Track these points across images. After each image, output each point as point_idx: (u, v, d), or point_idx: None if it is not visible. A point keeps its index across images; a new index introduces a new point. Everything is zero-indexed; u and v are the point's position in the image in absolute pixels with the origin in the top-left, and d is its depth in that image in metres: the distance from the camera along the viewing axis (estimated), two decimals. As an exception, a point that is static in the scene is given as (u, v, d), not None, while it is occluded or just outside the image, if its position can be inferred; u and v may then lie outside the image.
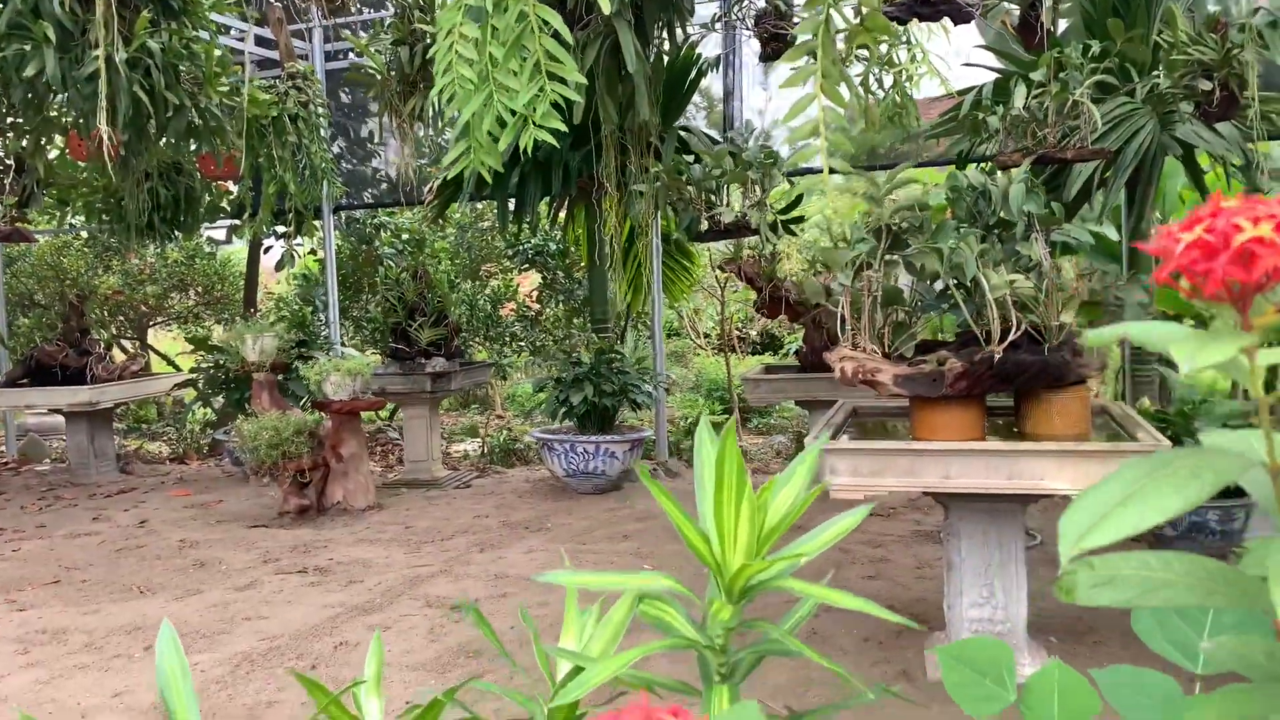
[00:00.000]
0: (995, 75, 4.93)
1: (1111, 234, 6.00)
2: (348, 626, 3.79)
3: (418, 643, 3.58)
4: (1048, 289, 2.91)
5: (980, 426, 2.97)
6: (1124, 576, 0.66)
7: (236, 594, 4.28)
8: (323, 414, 6.04)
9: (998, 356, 2.85)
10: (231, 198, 7.65)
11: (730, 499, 0.90)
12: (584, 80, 3.50)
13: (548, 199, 6.62)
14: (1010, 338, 2.87)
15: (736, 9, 5.23)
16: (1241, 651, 0.74)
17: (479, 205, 9.67)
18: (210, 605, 4.10)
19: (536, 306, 9.86)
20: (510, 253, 9.21)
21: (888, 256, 2.99)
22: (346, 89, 8.08)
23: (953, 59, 6.65)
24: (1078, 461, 2.70)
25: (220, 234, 8.92)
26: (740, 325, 10.56)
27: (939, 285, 3.11)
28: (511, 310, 9.47)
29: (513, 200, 6.43)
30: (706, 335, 11.11)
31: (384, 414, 9.03)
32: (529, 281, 10.19)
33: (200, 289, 10.15)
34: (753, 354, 10.50)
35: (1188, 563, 0.67)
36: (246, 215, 7.10)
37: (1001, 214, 2.95)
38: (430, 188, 6.46)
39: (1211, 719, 0.70)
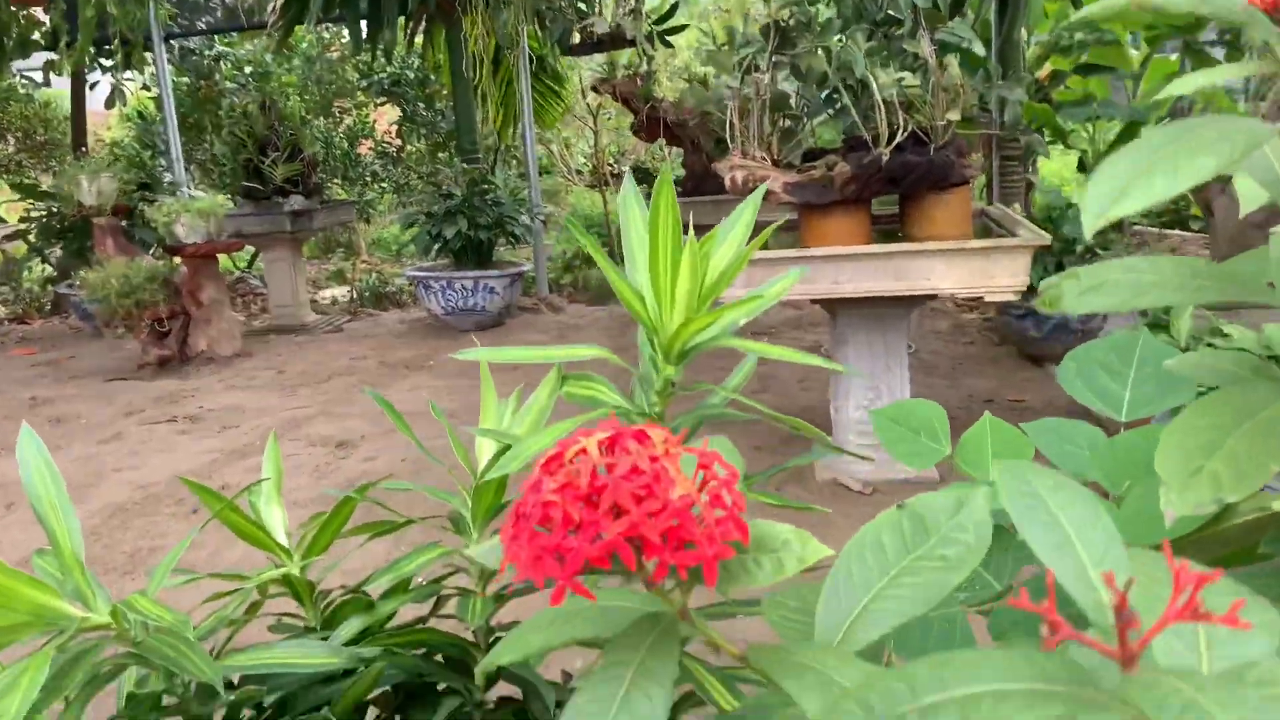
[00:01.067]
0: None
1: (979, 49, 6.01)
2: (227, 470, 3.65)
3: (304, 481, 3.48)
4: (933, 88, 2.88)
5: (868, 232, 2.97)
6: (1112, 281, 0.62)
7: (101, 447, 4.06)
8: (176, 260, 5.66)
9: (886, 158, 2.82)
10: (44, 28, 6.87)
11: (666, 252, 0.82)
12: None
13: (404, 18, 6.18)
14: (897, 139, 2.84)
15: None
16: (1208, 362, 0.72)
17: (328, 34, 9.00)
18: (74, 460, 3.87)
19: (397, 142, 9.38)
20: (364, 84, 8.67)
21: (776, 57, 2.88)
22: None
23: None
24: (964, 259, 2.73)
25: (37, 74, 8.07)
26: (614, 159, 10.34)
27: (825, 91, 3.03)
28: (369, 148, 9.00)
29: (365, 22, 5.97)
30: (579, 171, 10.86)
31: (243, 262, 8.57)
32: (386, 116, 9.65)
33: (19, 134, 9.23)
34: (625, 187, 10.32)
35: (1175, 263, 0.63)
36: (64, 45, 6.40)
37: (889, 10, 2.87)
38: (273, 7, 5.93)
39: (1175, 446, 0.67)
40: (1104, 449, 0.93)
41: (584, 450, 0.48)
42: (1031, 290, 4.13)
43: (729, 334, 0.87)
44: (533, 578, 0.46)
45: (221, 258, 6.25)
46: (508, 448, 0.84)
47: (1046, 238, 2.74)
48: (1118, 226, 4.27)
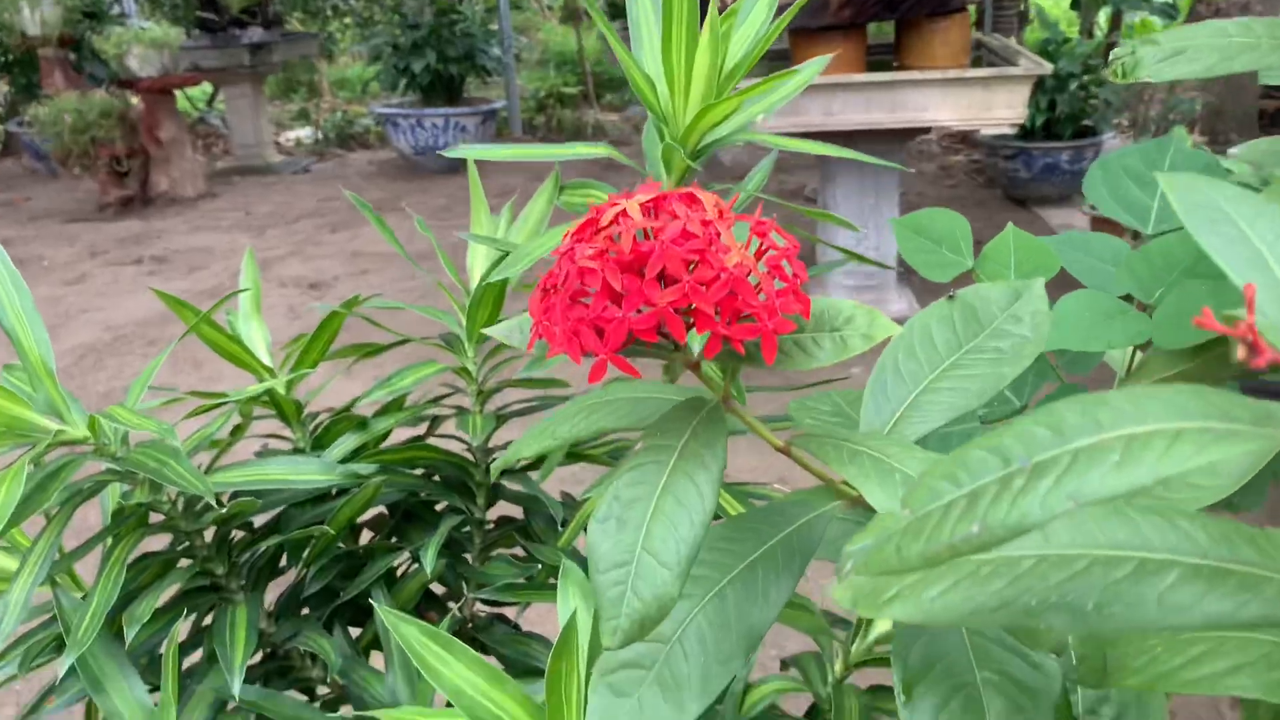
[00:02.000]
0: None
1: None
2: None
3: (279, 323, 3.41)
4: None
5: (862, 61, 2.84)
6: (1197, 45, 0.55)
7: (66, 288, 3.94)
8: (131, 96, 5.39)
9: (883, -20, 2.67)
10: None
11: (682, 27, 0.74)
12: None
13: None
14: (896, -40, 2.68)
15: None
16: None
17: None
18: (40, 301, 3.75)
19: (360, -28, 8.87)
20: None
21: None
22: None
23: None
24: (962, 90, 2.63)
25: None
26: (586, -8, 9.84)
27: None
28: (332, -23, 8.50)
29: None
30: (550, 7, 10.38)
31: (202, 102, 8.20)
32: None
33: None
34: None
35: (1268, 24, 0.56)
36: None
37: None
38: None
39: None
40: (1137, 256, 0.88)
41: (625, 213, 0.42)
42: (1025, 130, 4.03)
43: (748, 128, 0.80)
44: (568, 353, 0.40)
45: (180, 97, 5.96)
46: (504, 258, 0.78)
47: (1048, 66, 2.63)
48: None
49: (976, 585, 0.31)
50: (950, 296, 0.57)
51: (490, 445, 0.99)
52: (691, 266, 0.40)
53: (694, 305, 0.39)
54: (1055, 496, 0.24)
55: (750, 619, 0.46)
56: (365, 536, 1.01)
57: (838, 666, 0.77)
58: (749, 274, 0.41)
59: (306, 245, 4.42)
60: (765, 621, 0.47)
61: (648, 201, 0.42)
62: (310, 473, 0.84)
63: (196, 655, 0.89)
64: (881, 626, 0.76)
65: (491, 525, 1.00)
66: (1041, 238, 1.03)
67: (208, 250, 4.41)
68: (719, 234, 0.41)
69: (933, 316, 0.56)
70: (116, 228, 5.00)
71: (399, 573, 0.96)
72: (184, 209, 5.31)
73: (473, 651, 0.60)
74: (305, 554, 0.88)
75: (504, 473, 0.98)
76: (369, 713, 0.61)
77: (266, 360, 1.02)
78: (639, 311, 0.40)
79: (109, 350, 3.26)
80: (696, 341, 0.47)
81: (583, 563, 0.81)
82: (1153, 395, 0.25)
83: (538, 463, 0.99)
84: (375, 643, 0.92)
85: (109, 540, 0.83)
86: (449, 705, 0.82)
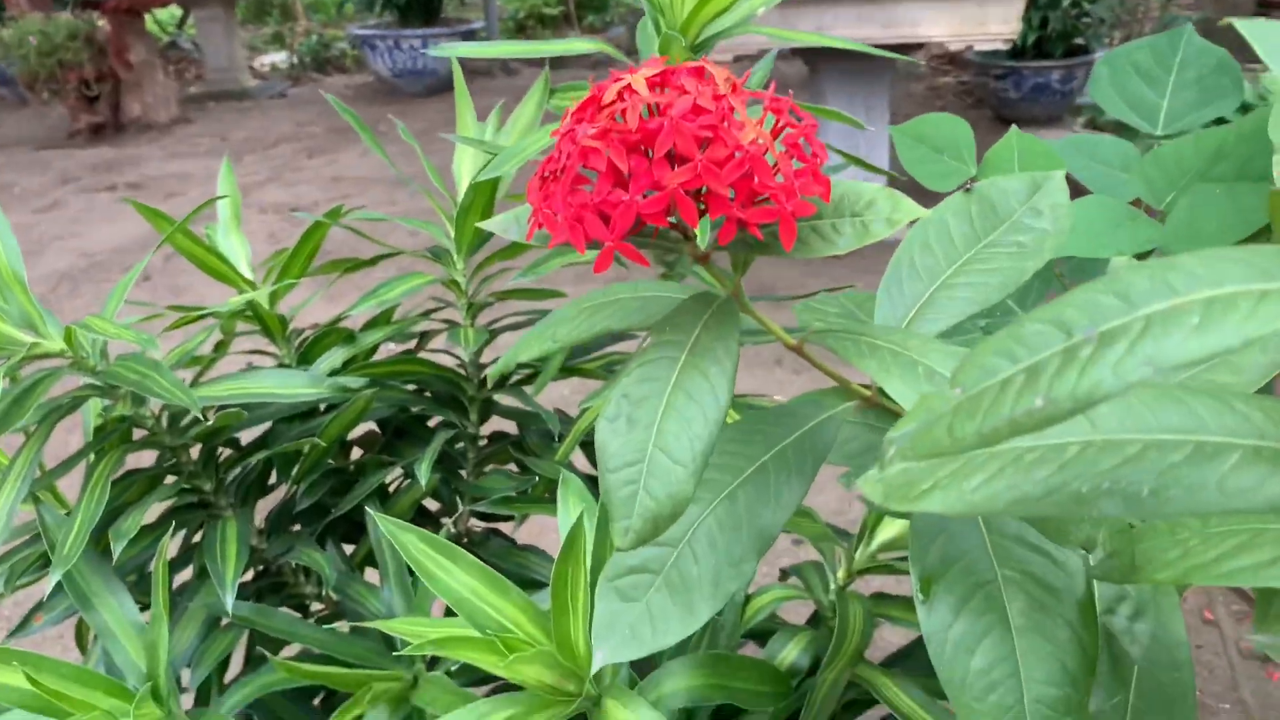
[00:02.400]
0: None
1: None
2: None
3: (260, 247, 3.33)
4: None
5: (853, -27, 2.76)
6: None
7: (39, 216, 3.86)
8: (98, 17, 5.21)
9: (877, -112, 2.58)
10: None
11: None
12: None
13: None
14: None
15: None
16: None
17: None
18: (12, 229, 3.68)
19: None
20: None
21: None
22: None
23: None
24: (956, 5, 2.56)
25: None
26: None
27: None
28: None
29: None
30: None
31: (171, 26, 7.96)
32: None
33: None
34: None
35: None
36: None
37: None
38: None
39: None
40: (1148, 160, 0.85)
41: (630, 89, 0.39)
42: (1015, 49, 3.96)
43: (748, 22, 0.76)
44: (571, 241, 0.38)
45: (148, 20, 5.77)
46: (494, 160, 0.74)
47: (1044, -21, 2.56)
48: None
49: (1021, 473, 0.29)
50: (967, 189, 0.55)
51: (482, 361, 0.96)
52: (703, 145, 0.38)
53: (707, 187, 0.36)
54: (1130, 363, 0.22)
55: (762, 521, 0.45)
56: (356, 455, 1.00)
57: (840, 574, 0.76)
58: (766, 153, 0.38)
59: (285, 171, 4.33)
60: (777, 524, 0.45)
61: (654, 75, 0.39)
62: (298, 386, 0.82)
63: (187, 573, 0.88)
64: (885, 534, 0.75)
65: (485, 441, 0.98)
66: (1047, 140, 1.00)
67: (184, 176, 4.32)
68: (732, 109, 0.38)
69: (949, 210, 0.54)
70: (89, 154, 4.88)
71: (391, 489, 0.94)
72: (158, 135, 5.19)
73: (474, 558, 0.58)
74: (295, 469, 0.86)
75: (497, 388, 0.96)
76: (367, 623, 0.60)
77: (248, 274, 0.98)
78: (647, 195, 0.37)
79: (85, 277, 3.20)
80: (704, 234, 0.45)
81: (581, 476, 0.80)
82: (1228, 257, 0.23)
83: (531, 377, 0.97)
84: (369, 559, 0.91)
85: (91, 457, 0.81)
86: (447, 615, 0.81)
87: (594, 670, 0.44)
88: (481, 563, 0.58)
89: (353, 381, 0.85)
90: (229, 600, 0.73)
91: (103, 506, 0.73)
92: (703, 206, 0.37)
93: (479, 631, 0.57)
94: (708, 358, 0.39)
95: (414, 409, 0.95)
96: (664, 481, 0.36)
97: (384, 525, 0.59)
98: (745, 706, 0.67)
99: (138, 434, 0.83)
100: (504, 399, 0.98)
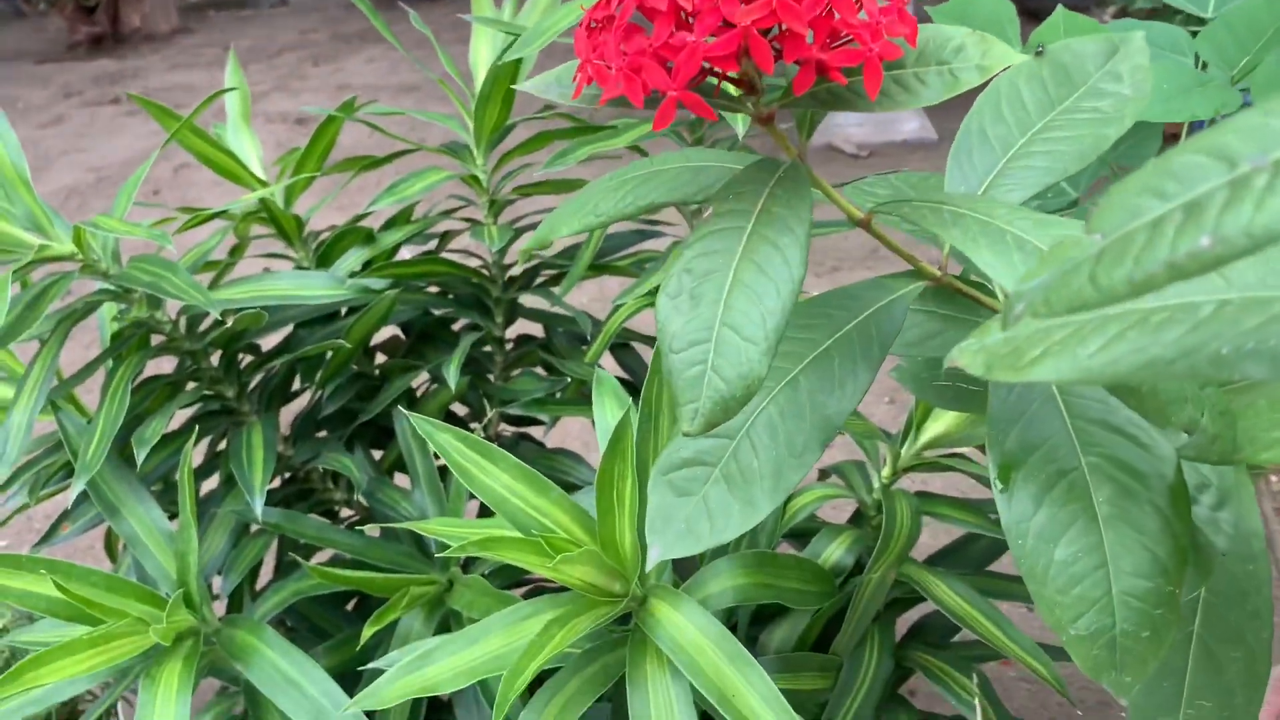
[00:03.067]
0: None
1: None
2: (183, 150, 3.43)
3: (269, 157, 3.29)
4: None
5: None
6: None
7: (43, 131, 3.79)
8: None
9: None
10: None
11: None
12: None
13: None
14: None
15: None
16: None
17: None
18: (16, 144, 3.62)
19: None
20: None
21: None
22: None
23: None
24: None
25: None
26: None
27: None
28: None
29: None
30: None
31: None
32: None
33: None
34: None
35: None
36: None
37: None
38: None
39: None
40: (1218, 24, 0.80)
41: (685, -80, 0.34)
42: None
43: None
44: (628, 94, 0.34)
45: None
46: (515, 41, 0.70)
47: None
48: None
49: (1147, 335, 0.26)
50: (1039, 52, 0.51)
51: (507, 261, 0.93)
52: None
53: (782, 26, 0.32)
54: (1323, 189, 0.18)
55: (826, 409, 0.42)
56: (380, 361, 0.97)
57: (885, 472, 0.74)
58: (843, -8, 0.34)
59: (290, 80, 4.23)
60: (842, 412, 0.42)
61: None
62: (318, 287, 0.79)
63: (213, 482, 0.86)
64: (933, 430, 0.72)
65: (511, 344, 0.96)
66: (1095, 20, 0.94)
67: (189, 88, 4.23)
68: (804, -59, 0.34)
69: (1020, 76, 0.49)
70: (90, 67, 4.78)
71: (418, 393, 0.92)
72: (159, 45, 5.07)
73: (513, 458, 0.56)
74: (320, 374, 0.83)
75: (522, 289, 0.93)
76: (402, 524, 0.58)
77: (260, 174, 0.95)
78: (713, 37, 0.33)
79: (93, 192, 3.16)
80: (775, 84, 0.40)
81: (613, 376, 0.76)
82: None
83: (558, 278, 0.94)
84: (397, 464, 0.89)
85: (109, 364, 0.78)
86: (480, 516, 0.79)
87: (649, 567, 0.42)
88: (521, 462, 0.56)
89: (375, 283, 0.82)
90: (258, 506, 0.71)
91: (124, 413, 0.70)
92: (777, 48, 0.33)
93: (520, 532, 0.54)
94: (777, 227, 0.35)
95: (437, 312, 0.92)
96: (734, 361, 0.33)
97: (420, 426, 0.56)
98: (792, 605, 0.65)
99: (156, 340, 0.80)
100: (529, 300, 0.95)
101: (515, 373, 0.94)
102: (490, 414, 0.94)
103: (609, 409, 0.66)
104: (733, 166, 0.43)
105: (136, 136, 3.63)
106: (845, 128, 2.99)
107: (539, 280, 0.94)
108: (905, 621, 0.81)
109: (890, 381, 1.85)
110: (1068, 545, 0.37)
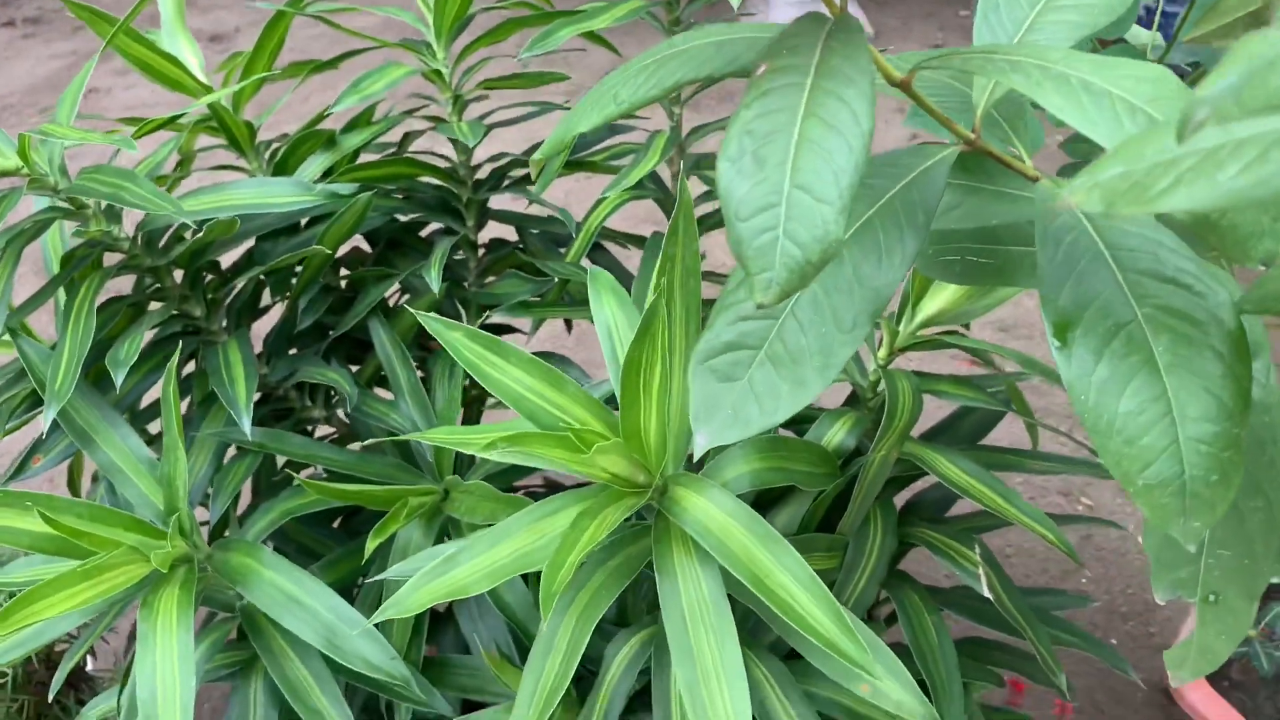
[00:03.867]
0: None
1: None
2: (92, 75, 3.24)
3: (179, 79, 3.12)
4: None
5: None
6: None
7: (-70, 58, 3.54)
8: None
9: None
10: None
11: None
12: None
13: None
14: None
15: None
16: None
17: None
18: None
19: None
20: None
21: None
22: None
23: None
24: None
25: None
26: None
27: None
28: None
29: None
30: None
31: None
32: None
33: None
34: None
35: None
36: None
37: None
38: None
39: None
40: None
41: None
42: None
43: None
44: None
45: None
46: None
47: None
48: None
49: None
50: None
51: (474, 163, 0.89)
52: None
53: None
54: None
55: (873, 281, 0.41)
56: (345, 274, 0.93)
57: (881, 353, 0.74)
58: None
59: (195, -6, 4.00)
60: (891, 283, 0.41)
61: None
62: (285, 195, 0.75)
63: (183, 406, 0.82)
64: (929, 309, 0.72)
65: (483, 249, 0.93)
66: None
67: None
68: None
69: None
70: (-27, -13, 4.45)
71: (390, 305, 0.89)
72: (46, -39, 4.74)
73: (526, 353, 0.54)
74: (295, 283, 0.79)
75: (493, 189, 0.89)
76: (412, 435, 0.56)
77: (202, 79, 0.89)
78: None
79: (-4, 122, 2.97)
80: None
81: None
82: None
83: (528, 178, 0.90)
84: (374, 379, 0.86)
85: (63, 292, 0.74)
86: (466, 424, 0.77)
87: (697, 456, 0.41)
88: (534, 357, 0.54)
89: (343, 188, 0.78)
90: (246, 423, 0.68)
91: (91, 335, 0.66)
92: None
93: (540, 429, 0.53)
94: (838, 79, 0.33)
95: (404, 218, 0.89)
96: (808, 224, 0.31)
97: (430, 324, 0.54)
98: (803, 486, 0.65)
99: (112, 260, 0.76)
100: (499, 203, 0.92)
101: (489, 279, 0.91)
102: (469, 321, 0.91)
103: (607, 304, 0.64)
104: (758, 36, 0.41)
105: (38, 61, 3.42)
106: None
107: (507, 182, 0.90)
108: (898, 501, 0.82)
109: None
110: (1132, 396, 0.37)
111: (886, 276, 0.40)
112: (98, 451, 0.69)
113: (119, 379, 0.64)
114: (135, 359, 0.65)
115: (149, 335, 0.80)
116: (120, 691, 0.79)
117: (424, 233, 0.92)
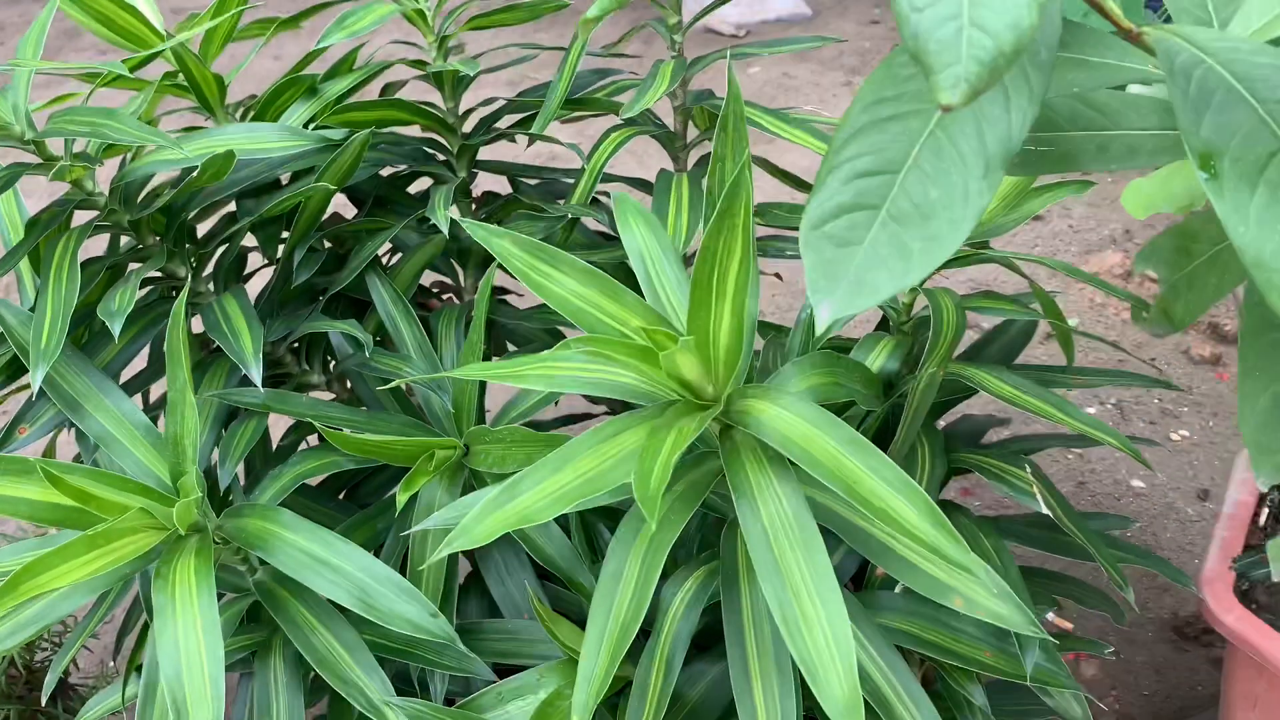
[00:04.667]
0: None
1: None
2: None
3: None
4: None
5: None
6: None
7: None
8: None
9: None
10: None
11: None
12: None
13: None
14: None
15: None
16: None
17: None
18: None
19: None
20: None
21: None
22: None
23: None
24: None
25: None
26: None
27: None
28: None
29: None
30: None
31: None
32: None
33: None
34: None
35: None
36: None
37: None
38: None
39: None
40: None
41: None
42: None
43: None
44: None
45: None
46: None
47: None
48: None
49: None
50: None
51: (463, 109, 0.85)
52: None
53: None
54: None
55: (1002, 124, 0.38)
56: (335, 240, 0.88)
57: (915, 275, 0.71)
58: None
59: None
60: (1019, 125, 0.38)
61: None
62: (273, 139, 0.70)
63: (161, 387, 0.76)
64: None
65: (475, 203, 0.88)
66: None
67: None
68: None
69: None
70: None
71: (384, 266, 0.84)
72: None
73: (580, 261, 0.50)
74: (293, 227, 0.74)
75: (484, 136, 0.85)
76: (455, 372, 0.51)
77: (162, 32, 0.83)
78: None
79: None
80: None
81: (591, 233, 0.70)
82: None
83: (521, 123, 0.86)
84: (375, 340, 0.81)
85: (35, 252, 0.67)
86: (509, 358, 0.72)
87: (818, 330, 0.37)
88: (588, 265, 0.50)
89: (334, 133, 0.73)
90: (256, 374, 0.62)
91: (76, 291, 0.60)
92: None
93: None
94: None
95: (391, 171, 0.84)
96: (997, 9, 0.28)
97: (475, 231, 0.49)
98: (861, 404, 0.62)
99: (81, 215, 0.69)
100: (491, 154, 0.87)
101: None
102: (465, 281, 0.87)
103: (637, 229, 0.60)
104: None
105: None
106: (720, 10, 2.92)
107: (496, 129, 0.86)
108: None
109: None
110: (1294, 223, 0.35)
111: (1015, 117, 0.37)
112: (88, 419, 0.63)
113: (116, 328, 0.58)
114: (130, 308, 0.59)
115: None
116: (124, 686, 0.73)
117: (412, 189, 0.87)
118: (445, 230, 0.70)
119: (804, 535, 0.49)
